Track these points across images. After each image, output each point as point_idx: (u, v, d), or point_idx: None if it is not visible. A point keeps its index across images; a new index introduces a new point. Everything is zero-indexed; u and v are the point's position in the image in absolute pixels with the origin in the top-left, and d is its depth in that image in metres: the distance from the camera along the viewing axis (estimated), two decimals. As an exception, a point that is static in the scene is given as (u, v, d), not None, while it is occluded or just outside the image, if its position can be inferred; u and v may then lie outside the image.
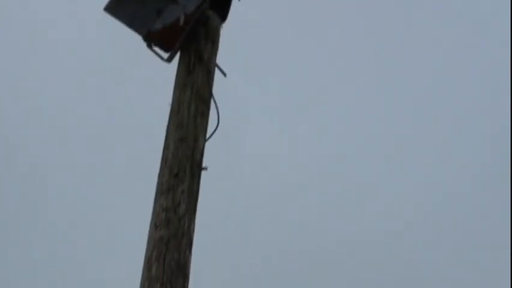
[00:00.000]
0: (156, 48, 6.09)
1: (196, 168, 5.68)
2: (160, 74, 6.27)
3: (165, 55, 6.08)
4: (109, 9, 6.06)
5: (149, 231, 5.50)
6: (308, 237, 15.10)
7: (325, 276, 14.81)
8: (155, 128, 6.10)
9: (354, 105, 16.58)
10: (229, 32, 6.54)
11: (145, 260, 5.40)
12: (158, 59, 6.08)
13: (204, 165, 5.76)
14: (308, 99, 16.27)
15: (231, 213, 14.28)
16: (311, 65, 16.40)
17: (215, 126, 5.97)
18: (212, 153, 5.89)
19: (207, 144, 5.86)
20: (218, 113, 6.00)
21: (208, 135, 5.88)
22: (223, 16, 6.57)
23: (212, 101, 5.99)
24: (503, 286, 13.44)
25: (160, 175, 5.67)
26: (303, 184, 15.50)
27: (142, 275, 5.35)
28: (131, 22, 6.05)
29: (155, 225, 5.47)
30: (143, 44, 6.10)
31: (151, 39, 6.05)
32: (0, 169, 15.04)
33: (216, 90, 6.06)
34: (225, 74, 6.23)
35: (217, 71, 6.17)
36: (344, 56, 16.62)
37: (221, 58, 6.21)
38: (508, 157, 14.47)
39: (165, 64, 6.08)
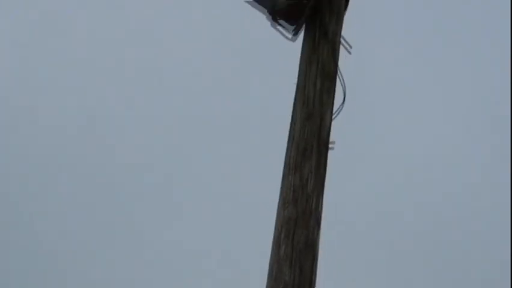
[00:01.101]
0: (280, 28, 6.03)
1: (323, 145, 5.63)
2: (286, 51, 6.21)
3: (289, 34, 6.01)
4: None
5: (278, 210, 5.48)
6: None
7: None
8: (282, 106, 6.05)
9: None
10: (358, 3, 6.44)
11: (273, 239, 5.39)
12: (283, 38, 6.04)
13: (330, 142, 5.71)
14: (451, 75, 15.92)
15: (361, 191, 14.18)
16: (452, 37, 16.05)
17: (341, 102, 5.90)
18: (340, 130, 5.83)
19: (335, 121, 5.80)
20: (344, 90, 5.92)
21: (334, 112, 5.81)
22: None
23: (339, 77, 5.91)
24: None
25: (287, 153, 5.63)
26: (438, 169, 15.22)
27: (271, 255, 5.33)
28: (255, -1, 6.02)
29: (283, 203, 5.45)
30: (267, 24, 6.06)
31: (276, 15, 5.99)
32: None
33: (341, 65, 5.98)
34: (351, 47, 6.12)
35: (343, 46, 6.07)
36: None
37: (347, 31, 6.12)
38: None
39: (290, 42, 6.03)
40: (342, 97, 5.92)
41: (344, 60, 6.04)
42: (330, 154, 5.69)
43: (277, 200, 5.53)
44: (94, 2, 15.96)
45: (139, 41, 16.00)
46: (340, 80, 5.93)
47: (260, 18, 6.08)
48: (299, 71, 5.87)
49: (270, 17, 6.02)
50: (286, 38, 6.04)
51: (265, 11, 6.02)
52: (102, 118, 15.61)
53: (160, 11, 15.87)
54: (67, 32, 15.90)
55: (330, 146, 5.70)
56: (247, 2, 6.08)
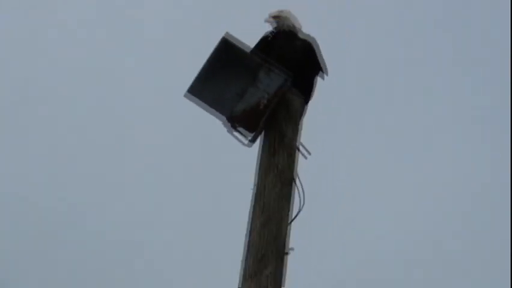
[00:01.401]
0: (236, 134, 6.08)
1: (281, 251, 5.62)
2: (242, 157, 6.26)
3: (246, 140, 6.06)
4: (191, 92, 6.09)
5: (237, 318, 5.43)
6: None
7: None
8: (239, 211, 6.06)
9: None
10: (315, 111, 6.54)
11: None
12: (240, 144, 6.08)
13: (289, 248, 5.70)
14: (399, 176, 16.09)
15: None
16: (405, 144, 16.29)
17: (299, 207, 5.91)
18: (297, 236, 5.83)
19: (292, 226, 5.80)
20: (303, 195, 5.94)
21: (292, 218, 5.82)
22: (307, 96, 6.56)
23: (296, 182, 5.94)
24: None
25: (245, 259, 5.61)
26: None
27: None
28: (212, 106, 6.08)
29: (242, 310, 5.40)
30: (224, 130, 6.11)
31: (233, 122, 6.05)
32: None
33: (299, 171, 6.02)
34: (309, 153, 6.18)
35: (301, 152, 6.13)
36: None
37: (305, 138, 6.19)
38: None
39: (247, 148, 6.07)
40: (300, 202, 5.93)
41: (302, 165, 6.09)
42: (289, 259, 5.69)
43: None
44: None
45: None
46: (298, 186, 5.95)
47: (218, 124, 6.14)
48: (256, 178, 5.90)
49: (229, 124, 6.07)
50: (243, 143, 6.08)
51: (224, 118, 6.08)
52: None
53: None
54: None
55: (288, 252, 5.69)
56: (205, 110, 6.14)
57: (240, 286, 5.51)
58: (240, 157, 6.19)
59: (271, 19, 6.68)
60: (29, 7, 16.71)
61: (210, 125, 6.12)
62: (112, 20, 16.81)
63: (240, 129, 6.06)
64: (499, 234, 14.70)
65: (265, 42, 6.55)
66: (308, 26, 6.71)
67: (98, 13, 16.89)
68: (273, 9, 6.70)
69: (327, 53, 6.64)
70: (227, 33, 6.06)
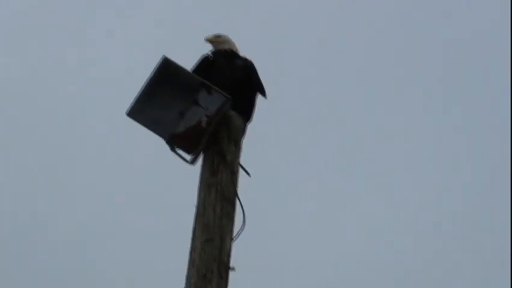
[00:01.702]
0: (180, 151, 6.13)
1: (223, 269, 5.67)
2: (184, 175, 6.30)
3: (189, 157, 6.11)
4: (131, 114, 6.13)
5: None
6: None
7: None
8: (181, 229, 6.09)
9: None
10: (256, 131, 6.62)
11: None
12: (182, 161, 6.12)
13: (231, 265, 5.75)
14: (343, 201, 16.22)
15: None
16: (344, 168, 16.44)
17: (241, 226, 5.97)
18: (240, 254, 5.89)
19: (234, 244, 5.86)
20: (244, 213, 6.01)
21: (234, 236, 5.88)
22: (248, 116, 6.64)
23: (238, 201, 6.01)
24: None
25: (188, 277, 5.64)
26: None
27: None
28: (154, 126, 6.12)
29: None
30: (167, 146, 6.14)
31: (175, 141, 6.09)
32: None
33: (240, 190, 6.08)
34: (249, 174, 6.26)
35: (242, 171, 6.19)
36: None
37: (246, 158, 6.26)
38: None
39: (189, 166, 6.11)
40: (242, 220, 5.99)
41: (243, 183, 6.16)
42: (232, 277, 5.73)
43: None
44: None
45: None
46: (240, 204, 6.01)
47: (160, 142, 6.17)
48: (198, 196, 5.95)
49: (168, 146, 6.12)
50: (185, 161, 6.12)
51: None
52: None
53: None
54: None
55: (231, 269, 5.74)
56: (148, 128, 6.17)
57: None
58: (185, 174, 6.23)
59: (212, 39, 6.79)
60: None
61: (154, 141, 6.17)
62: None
63: (179, 150, 6.11)
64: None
65: (205, 62, 6.64)
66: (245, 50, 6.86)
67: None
68: (210, 34, 6.83)
69: (266, 76, 6.78)
70: (165, 56, 6.11)
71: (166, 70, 6.09)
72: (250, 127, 6.65)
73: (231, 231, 5.87)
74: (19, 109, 16.28)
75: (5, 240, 14.90)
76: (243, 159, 6.24)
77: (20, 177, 15.80)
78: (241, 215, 6.01)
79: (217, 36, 6.81)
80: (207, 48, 6.77)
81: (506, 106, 14.96)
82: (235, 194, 6.01)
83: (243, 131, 6.35)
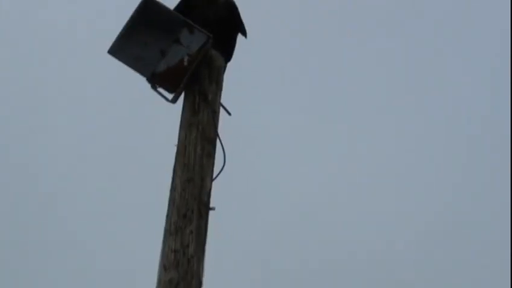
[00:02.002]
0: (161, 89, 6.11)
1: (203, 208, 5.69)
2: (165, 114, 6.29)
3: (170, 96, 6.09)
4: (112, 51, 6.09)
5: (158, 273, 5.49)
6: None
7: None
8: (162, 168, 6.10)
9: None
10: (236, 70, 6.60)
11: (154, 303, 5.38)
12: (163, 100, 6.10)
13: (211, 205, 5.78)
14: (324, 136, 16.28)
15: (243, 252, 14.25)
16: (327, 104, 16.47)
17: (222, 166, 5.98)
18: (220, 193, 5.91)
19: (215, 183, 5.88)
20: (224, 153, 6.02)
21: (214, 175, 5.89)
22: (228, 56, 6.62)
23: (218, 140, 6.01)
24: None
25: (168, 216, 5.66)
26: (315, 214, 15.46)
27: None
28: (135, 64, 6.08)
29: (164, 267, 5.47)
30: (148, 85, 6.12)
31: (156, 80, 6.06)
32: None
33: (221, 129, 6.09)
34: (229, 113, 6.25)
35: (222, 110, 6.19)
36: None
37: (226, 97, 6.25)
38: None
39: (170, 105, 6.10)
40: (224, 161, 6.01)
41: (224, 123, 6.16)
42: (211, 216, 5.77)
43: (157, 265, 5.53)
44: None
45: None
46: (220, 144, 6.02)
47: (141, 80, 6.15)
48: (179, 135, 5.94)
49: (149, 84, 6.09)
50: (166, 100, 6.10)
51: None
52: None
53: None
54: None
55: (211, 208, 5.77)
56: (129, 66, 6.13)
57: (164, 241, 5.57)
58: (166, 113, 6.21)
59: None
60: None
61: (136, 79, 6.14)
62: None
63: (161, 89, 6.09)
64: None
65: (187, 1, 6.58)
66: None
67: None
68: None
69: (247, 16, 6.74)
70: None
71: (148, 8, 6.05)
72: (230, 65, 6.64)
73: (212, 171, 5.87)
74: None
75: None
76: (224, 99, 6.23)
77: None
78: (222, 154, 6.02)
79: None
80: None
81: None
82: (216, 134, 6.00)
83: (223, 71, 6.33)
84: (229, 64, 6.64)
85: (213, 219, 5.77)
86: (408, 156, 16.46)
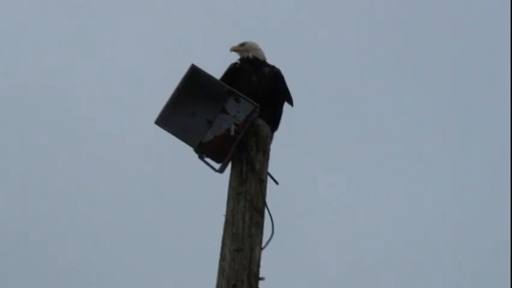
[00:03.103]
0: (208, 159, 6.10)
1: (253, 279, 5.64)
2: (213, 184, 6.27)
3: (217, 165, 6.08)
4: (159, 122, 6.11)
5: None
6: None
7: None
8: (211, 238, 6.07)
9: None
10: (282, 139, 6.59)
11: None
12: (211, 170, 6.10)
13: (261, 275, 5.72)
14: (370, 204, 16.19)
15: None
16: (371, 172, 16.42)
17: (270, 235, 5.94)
18: (269, 263, 5.86)
19: (264, 253, 5.83)
20: (272, 222, 5.98)
21: (263, 245, 5.85)
22: (275, 124, 6.62)
23: (266, 210, 5.98)
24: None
25: (218, 287, 5.61)
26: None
27: None
28: (182, 134, 6.09)
29: None
30: (195, 155, 6.12)
31: (203, 150, 6.06)
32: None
33: (269, 198, 6.05)
34: (277, 183, 6.22)
35: (269, 179, 6.17)
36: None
37: (273, 166, 6.23)
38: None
39: (218, 174, 6.09)
40: (271, 229, 5.97)
41: (272, 192, 6.13)
42: (261, 286, 5.72)
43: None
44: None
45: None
46: (268, 213, 5.99)
47: (188, 150, 6.15)
48: (227, 205, 5.92)
49: (197, 154, 6.10)
50: (214, 169, 6.10)
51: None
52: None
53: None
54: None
55: (261, 279, 5.72)
56: (176, 136, 6.15)
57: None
58: (213, 182, 6.21)
59: (237, 48, 6.80)
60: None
61: (183, 148, 6.14)
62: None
63: (208, 159, 6.09)
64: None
65: (233, 70, 6.62)
66: (273, 58, 6.85)
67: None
68: (236, 42, 6.84)
69: (294, 85, 6.77)
70: (193, 64, 6.10)
71: (194, 78, 6.08)
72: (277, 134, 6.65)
73: (260, 240, 5.84)
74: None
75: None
76: (271, 167, 6.21)
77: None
78: (270, 223, 5.98)
79: (242, 45, 6.82)
80: (235, 57, 6.78)
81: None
82: (264, 203, 5.97)
83: (270, 139, 6.32)
84: (276, 132, 6.65)
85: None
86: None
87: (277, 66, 6.73)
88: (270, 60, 6.78)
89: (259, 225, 5.86)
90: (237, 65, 6.69)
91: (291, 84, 6.75)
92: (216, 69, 6.40)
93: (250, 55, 6.73)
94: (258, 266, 5.73)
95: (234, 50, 6.81)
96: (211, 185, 6.45)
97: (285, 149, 7.48)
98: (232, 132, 6.03)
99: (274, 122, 6.63)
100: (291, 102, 6.71)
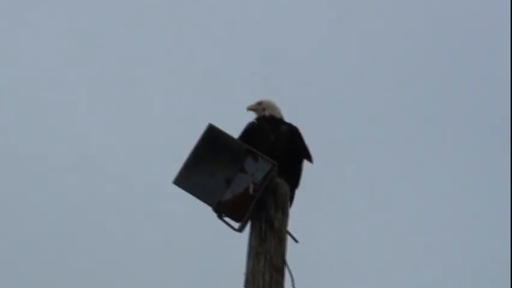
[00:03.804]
0: (227, 218, 6.09)
1: None
2: (232, 242, 6.25)
3: (236, 225, 6.06)
4: (178, 182, 6.11)
5: None
6: None
7: None
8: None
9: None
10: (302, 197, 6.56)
11: None
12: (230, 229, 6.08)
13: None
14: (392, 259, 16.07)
15: None
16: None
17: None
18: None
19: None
20: (293, 281, 5.94)
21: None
22: (295, 183, 6.60)
23: (286, 269, 5.94)
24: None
25: None
26: None
27: None
28: (201, 194, 6.09)
29: None
30: (214, 214, 6.11)
31: (222, 209, 6.05)
32: None
33: (289, 256, 6.02)
34: (296, 241, 6.19)
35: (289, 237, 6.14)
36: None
37: (293, 224, 6.21)
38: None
39: (237, 233, 6.07)
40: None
41: (292, 250, 6.10)
42: None
43: None
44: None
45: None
46: (289, 271, 5.95)
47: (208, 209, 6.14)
48: (247, 264, 5.90)
49: (216, 213, 6.09)
50: (233, 229, 6.08)
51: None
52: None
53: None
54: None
55: None
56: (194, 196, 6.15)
57: None
58: (232, 241, 6.19)
59: (254, 107, 6.82)
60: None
61: (202, 208, 6.13)
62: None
63: (227, 218, 6.08)
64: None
65: (251, 129, 6.63)
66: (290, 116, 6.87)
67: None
68: (253, 101, 6.87)
69: (313, 141, 6.76)
70: (210, 123, 6.12)
71: (211, 137, 6.09)
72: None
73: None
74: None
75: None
76: (290, 225, 6.19)
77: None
78: (290, 282, 5.94)
79: (259, 104, 6.84)
80: (251, 116, 6.80)
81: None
82: (284, 262, 5.93)
83: (290, 198, 6.30)
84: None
85: None
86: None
87: (294, 123, 6.74)
88: (289, 115, 6.79)
89: (279, 284, 5.83)
90: (254, 124, 6.70)
91: (311, 140, 6.74)
92: (233, 128, 6.42)
93: (267, 113, 6.74)
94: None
95: (250, 108, 6.83)
96: (230, 244, 6.43)
97: (307, 206, 7.45)
98: (251, 191, 6.02)
99: (294, 180, 6.61)
100: (310, 160, 6.69)
